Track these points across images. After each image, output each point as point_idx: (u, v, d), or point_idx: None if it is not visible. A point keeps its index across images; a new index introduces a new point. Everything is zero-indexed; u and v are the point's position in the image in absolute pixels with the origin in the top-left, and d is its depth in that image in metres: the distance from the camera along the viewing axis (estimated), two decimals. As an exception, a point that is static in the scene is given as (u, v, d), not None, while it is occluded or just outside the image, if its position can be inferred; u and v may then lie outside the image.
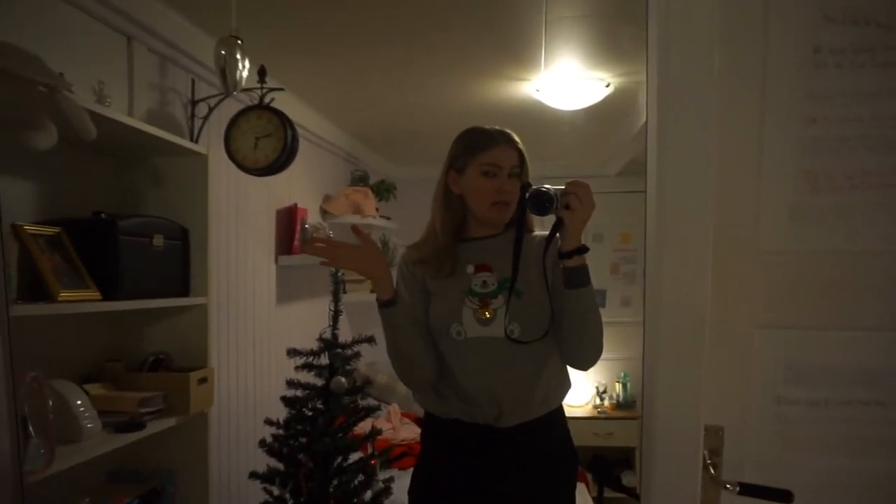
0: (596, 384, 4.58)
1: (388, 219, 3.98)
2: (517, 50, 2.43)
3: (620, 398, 4.53)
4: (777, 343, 1.09)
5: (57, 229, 1.54)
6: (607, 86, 2.77)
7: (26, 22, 1.56)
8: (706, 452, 1.09)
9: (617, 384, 4.57)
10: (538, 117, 3.09)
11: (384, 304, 1.44)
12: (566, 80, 2.68)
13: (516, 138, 1.50)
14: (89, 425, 1.50)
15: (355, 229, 1.47)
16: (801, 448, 1.11)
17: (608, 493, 4.21)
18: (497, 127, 1.51)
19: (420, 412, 1.63)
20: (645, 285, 1.09)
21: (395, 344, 1.48)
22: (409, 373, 1.51)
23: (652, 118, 1.02)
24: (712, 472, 1.08)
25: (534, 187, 1.38)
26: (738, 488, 1.05)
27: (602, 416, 4.39)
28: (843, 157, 1.06)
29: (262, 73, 2.16)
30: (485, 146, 1.47)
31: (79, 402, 1.50)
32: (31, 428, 1.25)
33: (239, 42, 1.93)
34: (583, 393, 4.59)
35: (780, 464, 1.11)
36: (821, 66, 1.03)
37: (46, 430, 1.29)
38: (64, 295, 1.42)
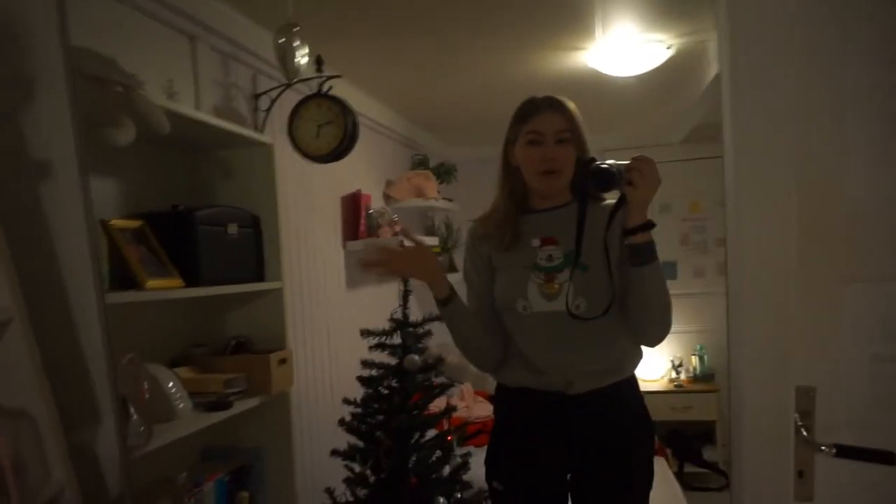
0: (671, 358, 4.47)
1: (451, 200, 3.98)
2: (570, 19, 2.37)
3: (697, 371, 4.40)
4: (872, 297, 1.03)
5: (140, 222, 1.62)
6: (668, 48, 2.66)
7: (99, 28, 1.64)
8: (797, 415, 1.04)
9: (693, 357, 4.44)
10: (596, 87, 3.02)
11: (442, 303, 1.49)
12: (623, 45, 2.59)
13: (564, 102, 1.46)
14: (181, 405, 1.58)
15: (406, 233, 1.51)
16: (901, 407, 1.05)
17: (689, 469, 4.12)
18: (545, 94, 1.48)
19: (492, 390, 1.65)
20: (727, 245, 1.05)
21: (459, 335, 1.53)
22: (477, 358, 1.56)
23: (725, 67, 0.98)
24: (805, 434, 1.03)
25: (596, 163, 1.34)
26: (834, 450, 1.00)
27: (679, 389, 4.28)
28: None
29: (319, 63, 2.19)
30: (529, 115, 1.45)
31: (170, 384, 1.59)
32: (130, 408, 1.33)
33: (296, 29, 1.96)
34: (657, 367, 4.49)
35: (877, 425, 1.05)
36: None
37: (144, 409, 1.37)
38: (151, 283, 1.50)
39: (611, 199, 1.45)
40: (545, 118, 1.44)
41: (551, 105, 1.45)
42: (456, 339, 1.54)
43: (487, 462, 1.58)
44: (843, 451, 1.00)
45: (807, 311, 1.02)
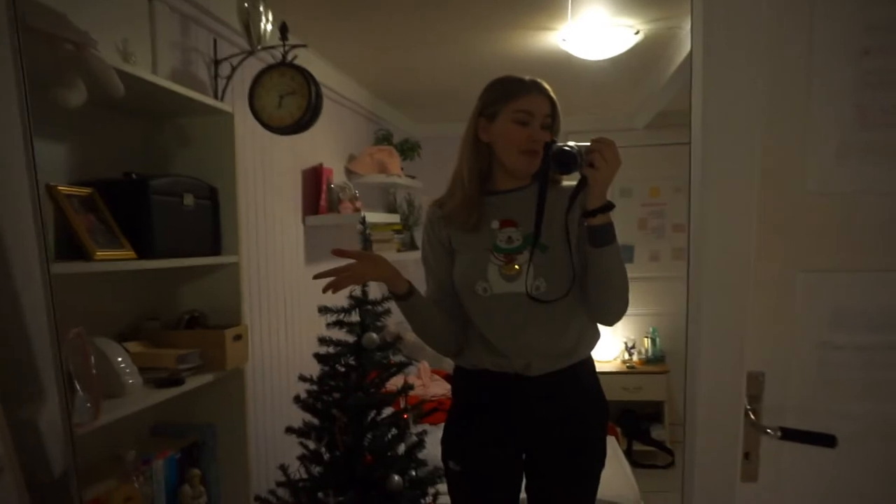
0: (625, 339, 4.57)
1: (413, 178, 3.95)
2: (543, -2, 2.35)
3: (649, 353, 4.52)
4: (822, 287, 1.06)
5: (89, 190, 1.55)
6: (636, 33, 2.67)
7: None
8: (746, 398, 1.08)
9: (646, 339, 4.56)
10: (565, 69, 3.01)
11: (402, 298, 1.48)
12: (593, 28, 2.59)
13: (549, 89, 1.47)
14: (131, 381, 1.54)
15: (340, 252, 1.48)
16: (845, 395, 1.09)
17: (637, 447, 4.24)
18: (530, 77, 1.47)
19: (449, 369, 1.65)
20: (689, 230, 1.06)
21: (420, 325, 1.53)
22: (437, 344, 1.57)
23: (696, 53, 0.98)
24: (752, 417, 1.07)
25: (557, 144, 1.35)
26: (779, 433, 1.04)
27: (631, 370, 4.40)
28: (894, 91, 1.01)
29: (283, 30, 2.12)
30: (518, 93, 1.44)
31: (119, 359, 1.54)
32: (76, 383, 1.28)
33: (261, -6, 1.90)
34: (612, 348, 4.59)
35: (823, 410, 1.09)
36: (875, -7, 0.98)
37: (91, 384, 1.33)
38: (100, 254, 1.44)
39: (569, 181, 1.46)
40: (535, 99, 1.43)
41: (540, 89, 1.46)
42: (416, 329, 1.54)
43: (444, 442, 1.59)
44: (788, 434, 1.04)
45: (760, 298, 1.04)
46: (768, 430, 1.05)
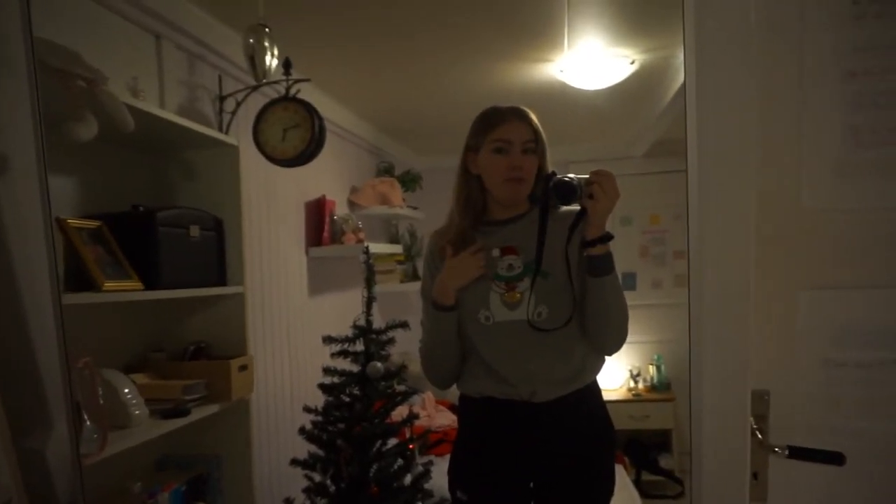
0: (629, 367, 4.55)
1: (415, 208, 3.99)
2: (540, 31, 2.41)
3: (655, 381, 4.48)
4: (823, 304, 1.07)
5: (98, 222, 1.57)
6: (632, 63, 2.73)
7: (62, 22, 1.60)
8: (752, 418, 1.08)
9: (650, 367, 4.53)
10: (563, 99, 3.07)
11: (449, 309, 1.47)
12: (590, 58, 2.65)
13: (529, 114, 1.49)
14: (137, 412, 1.54)
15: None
16: (851, 411, 1.09)
17: (646, 476, 4.18)
18: (511, 104, 1.50)
19: (454, 399, 1.65)
20: (689, 253, 1.07)
21: (442, 345, 1.51)
22: (445, 370, 1.55)
23: (690, 79, 1.01)
24: (759, 436, 1.07)
25: (557, 177, 1.39)
26: (787, 451, 1.04)
27: (637, 398, 4.36)
28: (887, 111, 1.03)
29: (287, 66, 2.17)
30: (496, 123, 1.46)
31: (126, 390, 1.54)
32: (84, 413, 1.29)
33: (266, 30, 1.95)
34: (617, 376, 4.56)
35: (829, 428, 1.09)
36: (860, 17, 1.01)
37: (98, 415, 1.33)
38: (108, 285, 1.46)
39: (567, 206, 1.48)
40: (512, 126, 1.45)
41: (517, 115, 1.47)
42: (429, 345, 1.53)
43: (451, 471, 1.58)
44: (796, 453, 1.04)
45: (762, 317, 1.05)
46: (776, 449, 1.05)
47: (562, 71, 2.75)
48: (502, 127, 1.45)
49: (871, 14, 1.01)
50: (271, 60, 2.00)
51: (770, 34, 1.00)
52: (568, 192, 1.36)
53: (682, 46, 1.03)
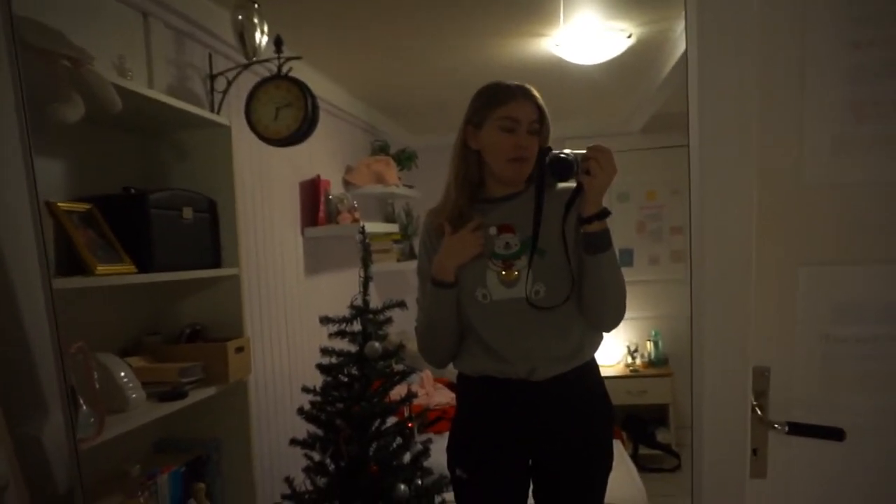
0: (627, 343, 4.57)
1: (411, 187, 3.96)
2: (535, 4, 2.36)
3: (652, 356, 4.51)
4: (823, 280, 1.06)
5: (89, 205, 1.55)
6: (629, 37, 2.69)
7: (46, 1, 1.55)
8: (753, 394, 1.07)
9: (648, 342, 4.55)
10: (558, 74, 3.03)
11: (449, 286, 1.45)
12: (586, 32, 2.60)
13: (536, 94, 1.46)
14: (134, 395, 1.53)
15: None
16: (850, 387, 1.08)
17: (643, 450, 4.22)
18: (517, 82, 1.47)
19: (452, 377, 1.65)
20: (690, 229, 1.06)
21: (433, 321, 1.50)
22: (436, 348, 1.54)
23: (691, 54, 0.99)
24: (759, 413, 1.07)
25: (553, 152, 1.37)
26: (786, 428, 1.04)
27: (634, 374, 4.39)
28: (889, 84, 1.01)
29: (278, 44, 2.13)
30: (504, 100, 1.43)
31: (122, 374, 1.53)
32: (79, 398, 1.28)
33: (255, 6, 1.90)
34: (614, 352, 4.58)
35: (829, 403, 1.09)
36: (864, -13, 0.99)
37: (94, 399, 1.32)
38: (101, 269, 1.44)
39: (564, 184, 1.46)
40: (520, 105, 1.43)
41: (526, 94, 1.44)
42: (427, 322, 1.52)
43: (450, 450, 1.58)
44: (795, 429, 1.04)
45: (762, 293, 1.04)
46: (776, 426, 1.04)
47: (557, 45, 2.71)
48: (511, 105, 1.42)
49: (874, -18, 0.99)
50: (261, 37, 1.96)
51: (772, 8, 0.98)
52: (564, 168, 1.34)
53: (681, 19, 1.01)
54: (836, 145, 1.03)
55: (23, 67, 1.07)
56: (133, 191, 1.66)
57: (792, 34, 1.00)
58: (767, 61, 0.99)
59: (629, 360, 4.55)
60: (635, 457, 4.09)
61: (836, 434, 1.02)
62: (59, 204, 1.46)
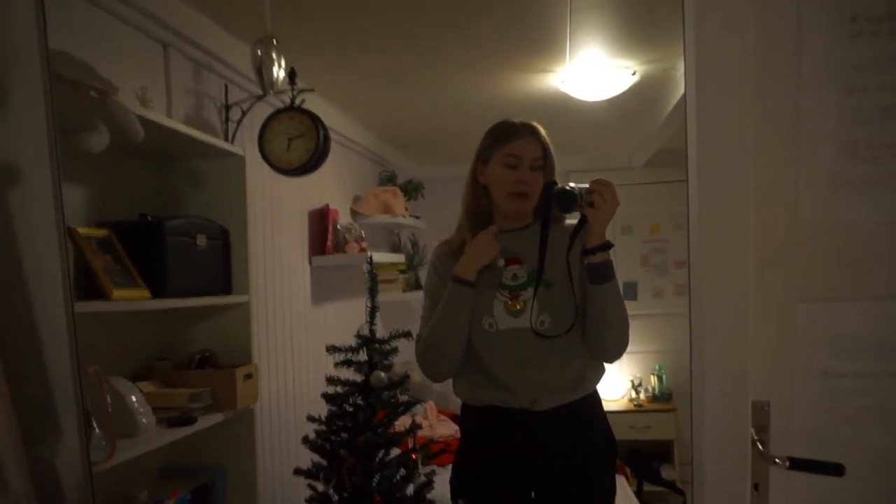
0: (631, 377, 4.55)
1: (417, 217, 4.01)
2: (541, 42, 2.44)
3: (656, 391, 4.49)
4: (821, 316, 1.08)
5: (107, 231, 1.59)
6: (633, 74, 2.76)
7: (75, 32, 1.62)
8: (753, 429, 1.09)
9: (652, 377, 4.53)
10: (564, 109, 3.09)
11: (469, 284, 1.47)
12: (591, 69, 2.67)
13: (541, 131, 1.52)
14: (144, 420, 1.55)
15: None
16: (850, 422, 1.10)
17: (648, 487, 4.17)
18: (524, 120, 1.53)
19: (456, 409, 1.66)
20: (689, 264, 1.09)
21: (453, 325, 1.48)
22: (440, 357, 1.52)
23: (690, 93, 1.03)
24: (760, 447, 1.08)
25: (559, 185, 1.42)
26: (787, 463, 1.05)
27: (638, 409, 4.36)
28: (883, 126, 1.05)
29: (292, 76, 2.20)
30: (508, 138, 1.50)
31: (134, 398, 1.56)
32: (93, 421, 1.30)
33: (274, 42, 1.98)
34: (618, 386, 4.56)
35: (829, 438, 1.10)
36: (857, 36, 1.03)
37: (107, 423, 1.34)
38: (117, 293, 1.47)
39: (570, 220, 1.51)
40: (524, 143, 1.49)
41: (530, 132, 1.50)
42: (436, 330, 1.50)
43: (454, 481, 1.59)
44: (796, 464, 1.05)
45: (762, 328, 1.07)
46: (777, 460, 1.06)
47: (563, 81, 2.78)
48: (514, 143, 1.49)
49: (868, 32, 1.03)
50: (278, 72, 2.02)
51: (768, 50, 1.02)
52: (569, 200, 1.40)
53: (683, 59, 1.05)
54: (832, 183, 1.07)
55: (54, 98, 1.12)
56: (150, 217, 1.71)
57: (788, 76, 1.05)
58: (764, 101, 1.04)
59: (633, 394, 4.52)
60: (639, 493, 4.04)
61: (836, 469, 1.03)
62: (79, 229, 1.50)
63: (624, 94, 2.84)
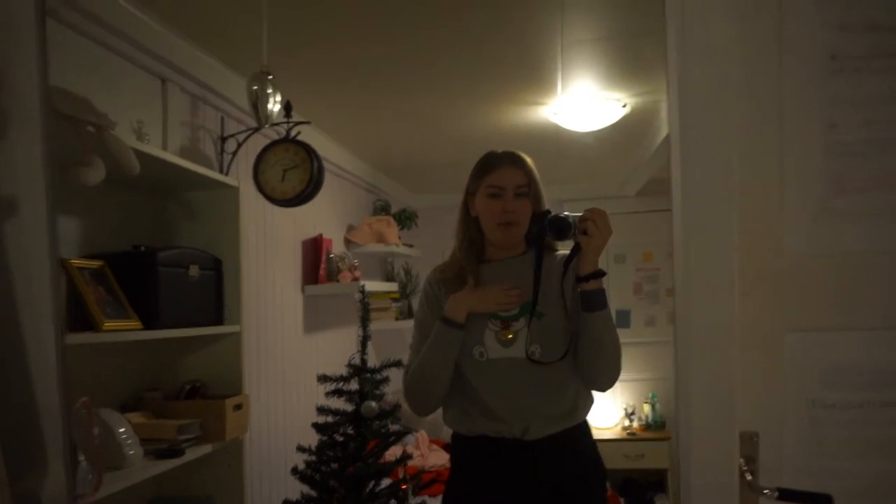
0: (624, 406, 4.53)
1: (411, 246, 4.03)
2: (533, 75, 2.49)
3: (649, 419, 4.47)
4: (808, 346, 1.09)
5: (100, 262, 1.60)
6: (624, 106, 2.81)
7: (73, 67, 1.65)
8: (742, 460, 1.09)
9: (645, 405, 4.51)
10: (556, 141, 3.14)
11: (457, 326, 1.47)
12: (583, 102, 2.73)
13: (525, 158, 1.54)
14: (132, 452, 1.54)
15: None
16: (839, 452, 1.10)
17: (642, 518, 4.14)
18: (507, 149, 1.55)
19: (447, 438, 1.65)
20: (675, 294, 1.11)
21: (432, 363, 1.49)
22: (427, 392, 1.53)
23: (674, 128, 1.06)
24: (749, 478, 1.08)
25: (552, 214, 1.44)
26: (776, 494, 1.05)
27: (631, 437, 4.33)
28: (867, 160, 1.07)
29: (287, 108, 2.23)
30: (490, 168, 1.52)
31: (122, 430, 1.54)
32: (80, 454, 1.29)
33: (270, 77, 2.01)
34: (611, 415, 4.54)
35: (818, 469, 1.10)
36: (838, 73, 1.06)
37: (94, 456, 1.33)
38: (108, 325, 1.47)
39: (563, 249, 1.52)
40: (506, 172, 1.50)
41: (512, 160, 1.52)
42: (423, 366, 1.51)
43: (443, 512, 1.58)
44: (785, 495, 1.05)
45: (750, 359, 1.08)
46: (766, 491, 1.06)
47: (555, 113, 2.82)
48: (496, 173, 1.50)
49: (849, 69, 1.07)
50: (274, 105, 2.06)
51: (751, 87, 1.05)
52: (563, 228, 1.41)
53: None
54: (816, 215, 1.09)
55: (52, 133, 1.14)
56: (143, 248, 1.71)
57: (770, 112, 1.07)
58: (748, 135, 1.06)
59: (626, 422, 4.50)
60: (634, 524, 4.00)
61: (825, 501, 1.03)
62: (72, 261, 1.51)
63: (615, 125, 2.89)
